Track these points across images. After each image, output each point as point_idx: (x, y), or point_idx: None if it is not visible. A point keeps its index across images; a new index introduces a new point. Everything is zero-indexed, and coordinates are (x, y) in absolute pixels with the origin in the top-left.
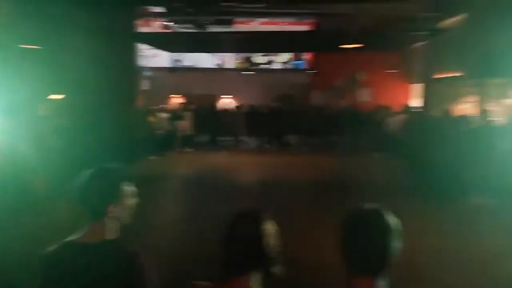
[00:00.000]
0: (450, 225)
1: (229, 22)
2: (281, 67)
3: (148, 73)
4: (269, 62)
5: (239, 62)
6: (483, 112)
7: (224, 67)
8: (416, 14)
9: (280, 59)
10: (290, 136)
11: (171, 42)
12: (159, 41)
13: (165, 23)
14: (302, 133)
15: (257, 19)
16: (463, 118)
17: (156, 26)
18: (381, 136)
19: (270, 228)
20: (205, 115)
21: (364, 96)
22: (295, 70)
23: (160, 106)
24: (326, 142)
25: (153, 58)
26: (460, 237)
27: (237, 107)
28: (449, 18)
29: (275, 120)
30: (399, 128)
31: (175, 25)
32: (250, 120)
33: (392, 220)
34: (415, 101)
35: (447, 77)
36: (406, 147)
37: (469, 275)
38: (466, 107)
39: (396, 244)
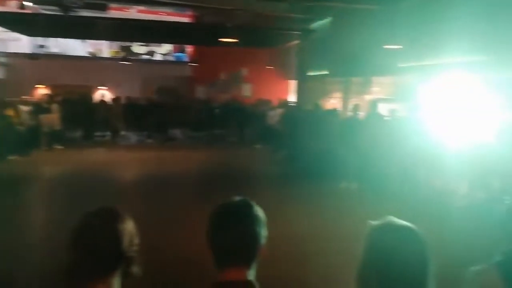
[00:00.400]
0: (322, 209)
1: (102, 8)
2: (161, 59)
3: (4, 60)
4: (150, 53)
5: (114, 51)
6: (348, 106)
7: (98, 55)
8: (289, 15)
9: (161, 50)
10: (174, 130)
11: (31, 25)
12: (16, 23)
13: (24, 2)
14: (186, 127)
15: (133, 6)
16: (332, 112)
17: (12, 5)
18: (262, 129)
19: (127, 226)
20: (77, 108)
21: (246, 91)
22: (177, 62)
23: (21, 97)
24: (210, 136)
25: (11, 42)
26: (333, 218)
27: (113, 99)
28: (317, 20)
29: (157, 113)
30: (277, 121)
31: (36, 5)
32: (129, 113)
33: (259, 210)
34: (292, 96)
35: (318, 74)
36: (284, 138)
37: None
38: (334, 101)
39: (264, 233)
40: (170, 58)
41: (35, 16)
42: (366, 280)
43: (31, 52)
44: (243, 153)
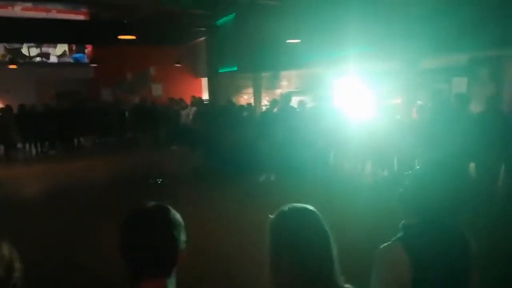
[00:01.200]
0: (243, 204)
1: None
2: (57, 61)
3: None
4: (44, 55)
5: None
6: (260, 100)
7: None
8: (192, 11)
9: (56, 52)
10: (79, 138)
11: None
12: None
13: None
14: (93, 133)
15: (17, 3)
16: (246, 107)
17: None
18: (177, 129)
19: (2, 253)
20: None
21: (156, 91)
22: (76, 64)
23: None
24: (122, 141)
25: None
26: (255, 212)
27: (2, 108)
28: (222, 16)
29: (58, 121)
30: (192, 120)
31: None
32: (25, 123)
33: (176, 213)
34: (204, 94)
35: (228, 70)
36: (200, 137)
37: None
38: (247, 97)
39: (182, 238)
40: (68, 59)
41: None
42: (277, 262)
43: None
44: (158, 156)
